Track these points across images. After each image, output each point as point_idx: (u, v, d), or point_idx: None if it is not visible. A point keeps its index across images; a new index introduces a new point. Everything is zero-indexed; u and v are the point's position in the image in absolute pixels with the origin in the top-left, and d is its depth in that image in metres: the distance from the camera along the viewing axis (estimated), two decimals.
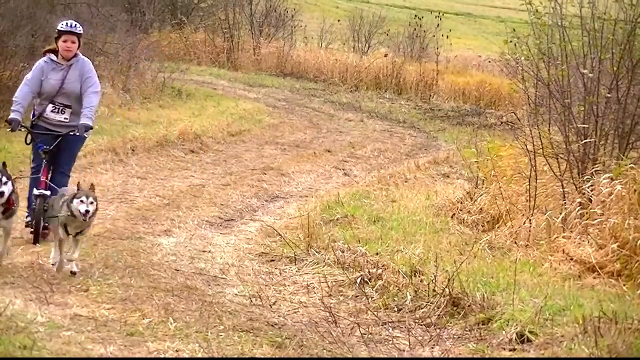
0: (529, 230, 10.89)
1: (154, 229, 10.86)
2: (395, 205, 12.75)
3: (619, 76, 11.40)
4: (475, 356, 7.46)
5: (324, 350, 7.32)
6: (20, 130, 10.14)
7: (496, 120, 24.10)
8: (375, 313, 8.35)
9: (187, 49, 29.89)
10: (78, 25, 10.29)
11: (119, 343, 6.89)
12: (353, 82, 28.58)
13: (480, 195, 12.37)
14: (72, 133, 10.05)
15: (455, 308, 8.24)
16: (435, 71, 28.75)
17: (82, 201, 8.78)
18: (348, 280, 9.09)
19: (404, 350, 7.54)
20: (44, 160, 9.96)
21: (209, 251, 10.22)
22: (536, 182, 11.35)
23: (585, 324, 7.47)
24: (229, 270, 9.49)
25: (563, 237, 10.45)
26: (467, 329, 7.94)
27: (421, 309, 8.39)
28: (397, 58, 29.59)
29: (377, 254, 9.74)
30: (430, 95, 28.09)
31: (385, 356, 7.45)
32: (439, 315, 8.19)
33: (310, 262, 9.72)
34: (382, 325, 8.09)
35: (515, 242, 10.80)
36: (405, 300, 8.52)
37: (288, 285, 9.13)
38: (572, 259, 10.00)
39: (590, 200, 10.65)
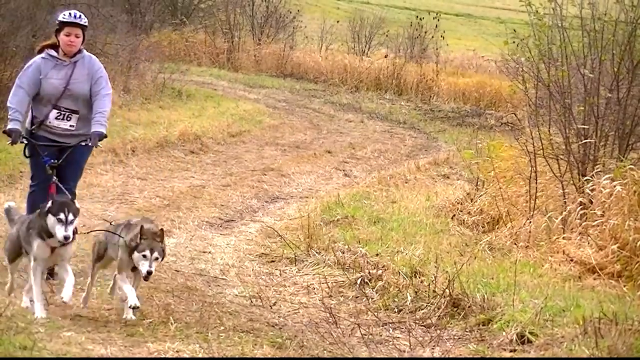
0: (529, 231, 10.89)
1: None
2: (395, 206, 12.75)
3: (619, 77, 11.40)
4: (475, 357, 7.46)
5: (325, 351, 7.32)
6: (22, 142, 8.65)
7: (496, 121, 24.09)
8: (376, 314, 8.35)
9: (188, 50, 29.89)
10: (82, 15, 8.79)
11: (120, 344, 6.89)
12: (353, 83, 28.57)
13: (481, 196, 12.37)
14: (83, 143, 8.59)
15: (455, 309, 8.25)
16: (435, 72, 28.76)
17: (144, 256, 7.35)
18: (348, 281, 9.09)
19: (404, 351, 7.54)
20: (52, 177, 8.46)
21: (209, 252, 10.22)
22: (536, 183, 11.35)
23: (585, 325, 7.46)
24: (229, 271, 9.49)
25: (563, 238, 10.45)
26: (467, 330, 7.95)
27: (421, 309, 8.39)
28: (398, 59, 29.59)
29: (377, 254, 9.74)
30: (431, 96, 28.09)
31: (386, 357, 7.45)
32: (439, 316, 8.19)
33: (310, 263, 9.72)
34: (382, 326, 8.09)
35: (516, 243, 10.80)
36: (406, 301, 8.52)
37: (288, 286, 9.13)
38: (572, 260, 10.01)
39: (591, 202, 10.65)
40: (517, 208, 11.65)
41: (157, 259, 7.33)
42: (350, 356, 7.31)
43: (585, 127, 11.34)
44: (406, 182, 15.41)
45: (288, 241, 10.20)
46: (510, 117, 19.83)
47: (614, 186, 10.34)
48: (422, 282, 8.77)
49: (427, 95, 28.07)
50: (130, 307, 7.38)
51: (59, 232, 7.34)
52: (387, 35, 32.28)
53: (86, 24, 8.76)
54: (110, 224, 8.09)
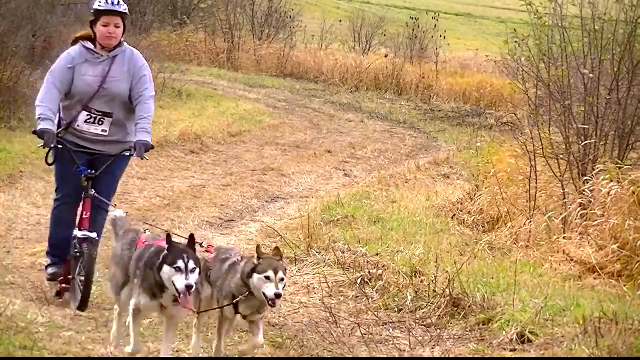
0: (529, 231, 10.89)
1: (154, 230, 10.82)
2: (395, 206, 12.75)
3: (619, 77, 11.40)
4: (475, 357, 7.46)
5: (325, 351, 7.33)
6: (55, 146, 7.50)
7: (496, 121, 24.09)
8: (376, 313, 8.35)
9: (188, 50, 29.87)
10: (122, 1, 7.66)
11: (120, 344, 6.88)
12: (353, 83, 28.56)
13: (481, 196, 12.37)
14: (127, 154, 7.58)
15: (455, 309, 8.24)
16: (434, 72, 28.76)
17: (267, 278, 6.22)
18: (348, 281, 9.08)
19: (404, 351, 7.54)
20: (89, 191, 7.48)
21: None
22: (536, 183, 11.35)
23: (585, 325, 7.47)
24: None
25: (563, 237, 10.46)
26: (467, 330, 7.95)
27: (422, 309, 8.39)
28: (398, 59, 29.59)
29: (377, 254, 9.74)
30: (431, 96, 28.09)
31: (386, 356, 7.45)
32: (439, 315, 8.19)
33: (310, 262, 9.72)
34: (382, 326, 8.09)
35: (516, 243, 10.80)
36: (406, 301, 8.52)
37: (288, 286, 9.10)
38: (572, 260, 10.01)
39: (591, 201, 10.65)
40: (517, 208, 11.65)
41: (282, 279, 6.22)
42: (350, 356, 7.32)
43: (585, 127, 11.34)
44: (406, 182, 15.40)
45: (288, 241, 10.19)
46: (510, 117, 19.82)
47: (614, 186, 10.34)
48: (422, 281, 8.77)
49: (427, 95, 28.07)
50: None
51: (179, 281, 6.03)
52: (384, 35, 32.30)
53: (127, 11, 7.68)
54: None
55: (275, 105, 23.88)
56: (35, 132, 7.44)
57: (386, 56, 29.82)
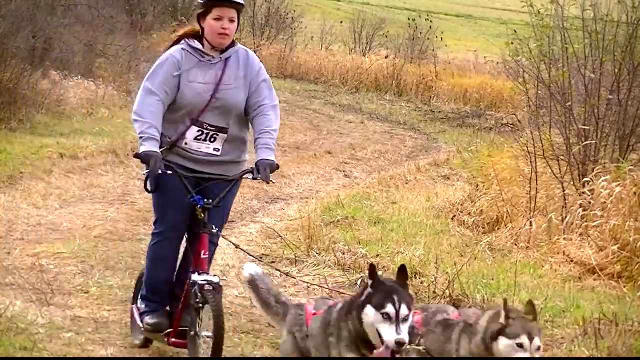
0: (530, 232, 10.88)
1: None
2: (395, 207, 12.74)
3: (620, 78, 11.39)
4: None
5: None
6: (165, 173, 6.07)
7: (497, 122, 24.10)
8: None
9: None
10: None
11: (120, 344, 6.88)
12: (354, 84, 28.59)
13: (481, 197, 12.37)
14: (250, 177, 6.16)
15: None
16: (434, 73, 28.77)
17: (520, 346, 4.81)
18: (349, 282, 9.08)
19: None
20: (207, 226, 6.06)
21: None
22: (537, 184, 11.34)
23: (585, 326, 7.47)
24: (229, 272, 9.48)
25: (564, 239, 10.44)
26: None
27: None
28: (398, 60, 29.61)
29: (377, 255, 9.74)
30: (431, 97, 28.12)
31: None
32: None
33: (310, 263, 9.71)
34: None
35: (516, 244, 10.79)
36: None
37: (289, 287, 9.12)
38: (572, 261, 10.00)
39: (591, 202, 10.64)
40: (517, 209, 11.64)
41: (539, 348, 4.83)
42: None
43: (586, 128, 11.34)
44: (406, 183, 15.40)
45: (288, 242, 10.19)
46: (510, 118, 19.83)
47: (614, 187, 10.34)
48: (422, 282, 8.76)
49: (427, 96, 28.09)
50: None
51: (388, 334, 4.79)
52: (386, 37, 32.32)
53: (243, 1, 6.45)
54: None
55: None
56: (137, 156, 6.13)
57: (386, 57, 29.83)
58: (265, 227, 11.25)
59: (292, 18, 31.98)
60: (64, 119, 16.88)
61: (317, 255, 9.89)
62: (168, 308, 6.54)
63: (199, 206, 6.06)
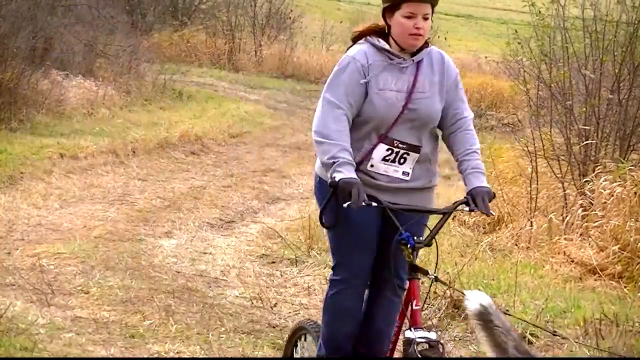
0: (530, 232, 10.88)
1: (155, 230, 10.84)
2: None
3: (620, 78, 11.40)
4: (476, 357, 7.45)
5: None
6: (370, 203, 4.86)
7: (497, 122, 24.08)
8: None
9: (188, 51, 29.90)
10: None
11: (120, 345, 6.88)
12: None
13: None
14: (469, 209, 5.29)
15: (456, 310, 8.23)
16: None
17: None
18: None
19: None
20: (421, 271, 5.13)
21: (210, 253, 10.21)
22: (537, 184, 11.35)
23: (586, 326, 7.47)
24: (229, 272, 9.48)
25: (564, 239, 10.45)
26: (468, 331, 7.93)
27: (422, 311, 8.36)
28: None
29: None
30: None
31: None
32: (440, 317, 8.18)
33: (311, 263, 9.71)
34: None
35: (517, 244, 10.79)
36: None
37: (289, 287, 9.11)
38: (573, 261, 10.00)
39: (592, 202, 10.64)
40: (518, 209, 11.65)
41: None
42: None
43: (587, 128, 11.34)
44: None
45: (289, 242, 10.19)
46: (511, 118, 19.82)
47: (615, 187, 10.34)
48: (422, 283, 8.75)
49: None
50: None
51: None
52: None
53: None
54: None
55: (276, 106, 23.89)
56: (332, 185, 4.89)
57: None
58: (265, 227, 11.25)
59: (293, 18, 31.97)
60: (64, 119, 16.88)
61: (317, 255, 9.89)
62: None
63: (408, 245, 5.03)
